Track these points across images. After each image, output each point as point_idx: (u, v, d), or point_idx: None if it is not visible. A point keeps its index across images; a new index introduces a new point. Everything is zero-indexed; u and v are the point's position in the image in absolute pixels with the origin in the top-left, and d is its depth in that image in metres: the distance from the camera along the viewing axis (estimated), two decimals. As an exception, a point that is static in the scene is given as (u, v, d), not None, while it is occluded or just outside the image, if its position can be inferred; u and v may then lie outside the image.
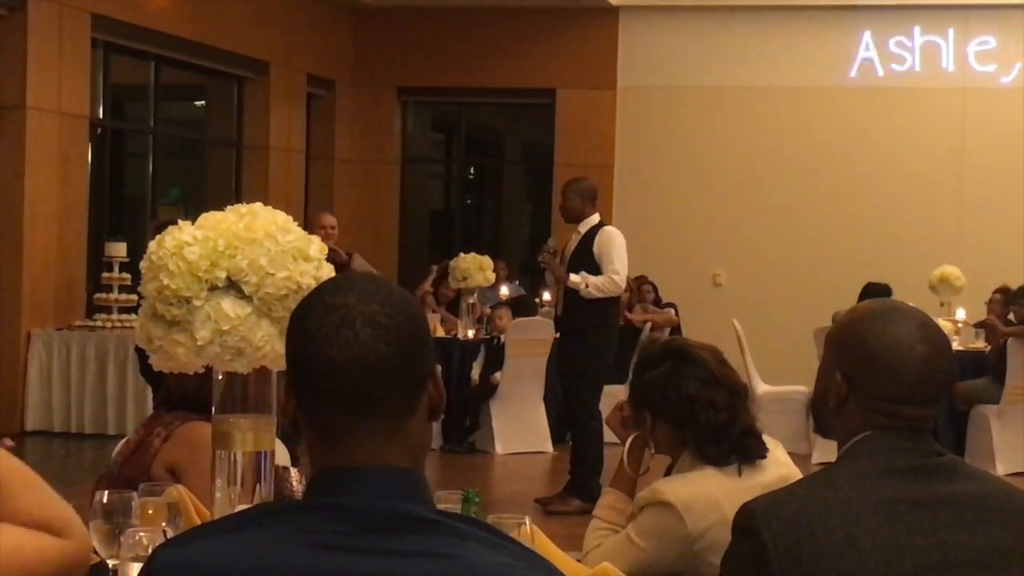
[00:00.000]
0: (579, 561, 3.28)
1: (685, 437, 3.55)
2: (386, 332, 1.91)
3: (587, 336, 9.62)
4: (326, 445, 1.94)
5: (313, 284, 2.82)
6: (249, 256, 2.81)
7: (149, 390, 11.46)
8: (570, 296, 9.66)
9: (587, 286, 9.51)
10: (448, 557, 1.86)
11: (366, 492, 1.90)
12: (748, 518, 2.44)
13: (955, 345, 12.23)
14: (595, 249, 9.61)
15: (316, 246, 2.90)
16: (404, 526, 1.88)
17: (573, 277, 9.55)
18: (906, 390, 2.49)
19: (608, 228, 9.80)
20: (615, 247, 9.64)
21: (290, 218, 2.94)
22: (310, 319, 1.93)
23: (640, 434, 3.64)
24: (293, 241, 2.86)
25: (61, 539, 2.15)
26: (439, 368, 2.04)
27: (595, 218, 9.83)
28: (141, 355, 11.84)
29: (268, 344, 2.81)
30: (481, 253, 13.13)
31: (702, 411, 3.50)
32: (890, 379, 2.49)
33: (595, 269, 9.58)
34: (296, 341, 1.96)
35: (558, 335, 10.23)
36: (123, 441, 3.97)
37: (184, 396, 3.75)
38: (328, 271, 2.89)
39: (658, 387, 3.57)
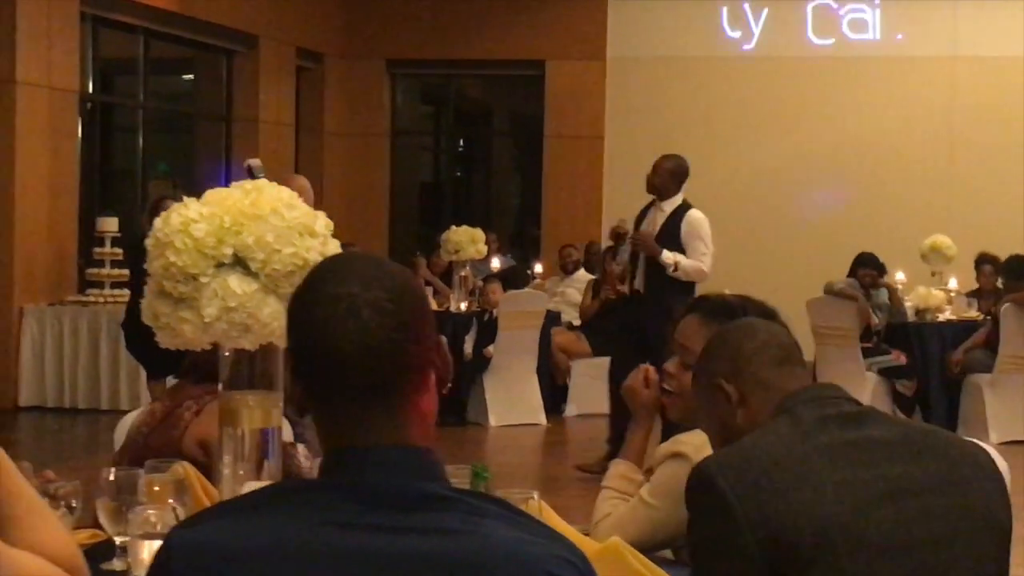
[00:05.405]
0: (588, 532, 3.29)
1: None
2: (392, 318, 1.91)
3: (671, 315, 9.38)
4: (338, 427, 1.94)
5: (319, 260, 2.82)
6: (255, 233, 2.81)
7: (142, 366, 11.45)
8: (656, 274, 9.57)
9: (675, 268, 9.45)
10: (465, 534, 1.87)
11: (381, 471, 1.90)
12: (702, 473, 2.51)
13: (948, 315, 12.26)
14: (683, 232, 9.57)
15: (322, 222, 2.90)
16: (420, 504, 1.89)
17: (666, 254, 9.52)
18: (779, 350, 2.74)
19: (695, 212, 9.68)
20: (703, 235, 9.56)
21: (295, 194, 2.94)
22: (314, 309, 1.93)
23: (655, 401, 3.62)
24: (299, 217, 2.86)
25: None
26: (444, 339, 2.03)
27: (679, 198, 9.73)
28: (127, 331, 11.68)
29: (275, 321, 2.81)
30: (471, 225, 13.12)
31: None
32: (764, 348, 2.73)
33: (679, 251, 9.51)
34: (301, 331, 1.95)
35: (639, 313, 10.04)
36: (144, 411, 3.90)
37: (213, 368, 3.61)
38: (334, 247, 2.89)
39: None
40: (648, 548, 3.31)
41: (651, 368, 3.69)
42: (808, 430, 2.55)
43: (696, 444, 3.38)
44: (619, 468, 3.65)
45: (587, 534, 3.17)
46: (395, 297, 1.92)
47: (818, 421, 2.57)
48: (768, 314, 3.36)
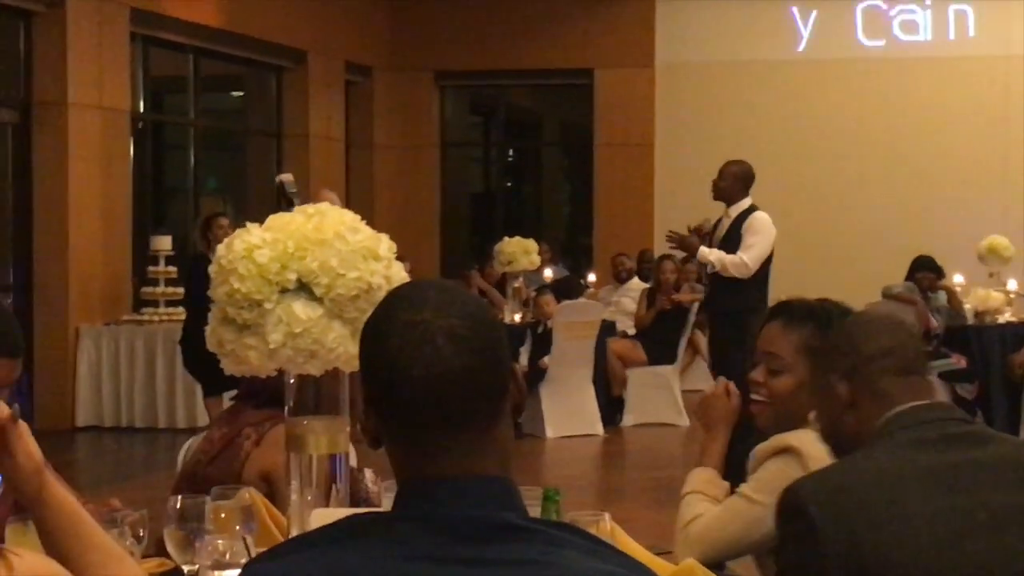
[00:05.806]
0: (662, 551, 3.22)
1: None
2: (468, 345, 1.87)
3: (741, 319, 9.23)
4: (413, 457, 1.90)
5: (383, 283, 2.79)
6: (319, 257, 2.79)
7: (198, 384, 11.49)
8: (716, 278, 9.51)
9: (713, 265, 9.40)
10: (543, 564, 1.83)
11: (458, 502, 1.87)
12: (794, 496, 2.44)
13: (1007, 316, 12.14)
14: (742, 232, 9.50)
15: (385, 244, 2.87)
16: (498, 535, 1.85)
17: (703, 249, 9.46)
18: (901, 360, 2.58)
19: (758, 213, 9.61)
20: (755, 232, 9.47)
21: (358, 217, 2.91)
22: (388, 337, 1.88)
23: (734, 411, 3.59)
24: (362, 240, 2.83)
25: None
26: (517, 366, 2.00)
27: (746, 202, 9.65)
28: (184, 349, 11.61)
29: (341, 346, 2.78)
30: (522, 235, 13.09)
31: None
32: (885, 355, 2.58)
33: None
34: (375, 360, 1.91)
35: (708, 317, 10.00)
36: (202, 437, 3.84)
37: (274, 392, 3.46)
38: (398, 270, 2.86)
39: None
40: (743, 549, 3.25)
41: (730, 382, 3.66)
42: (906, 456, 2.46)
43: (803, 439, 3.27)
44: (704, 474, 3.55)
45: (661, 554, 3.11)
46: (470, 324, 1.88)
47: (918, 445, 2.47)
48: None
